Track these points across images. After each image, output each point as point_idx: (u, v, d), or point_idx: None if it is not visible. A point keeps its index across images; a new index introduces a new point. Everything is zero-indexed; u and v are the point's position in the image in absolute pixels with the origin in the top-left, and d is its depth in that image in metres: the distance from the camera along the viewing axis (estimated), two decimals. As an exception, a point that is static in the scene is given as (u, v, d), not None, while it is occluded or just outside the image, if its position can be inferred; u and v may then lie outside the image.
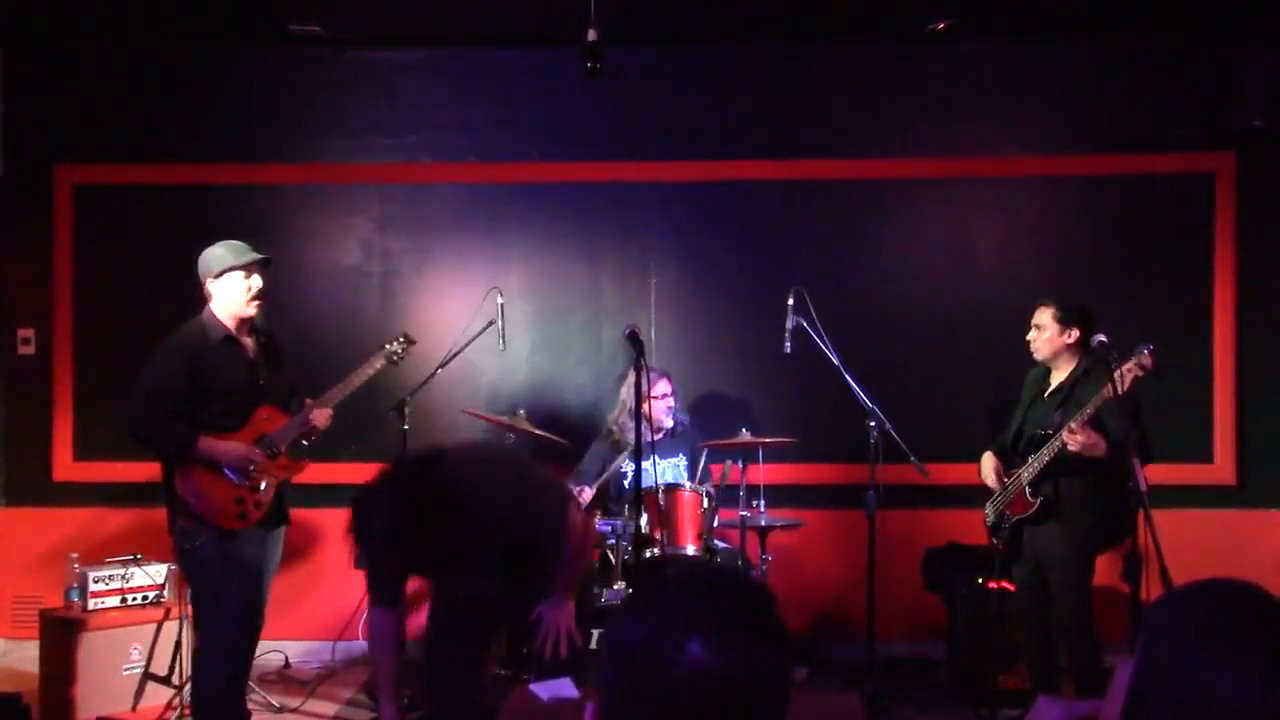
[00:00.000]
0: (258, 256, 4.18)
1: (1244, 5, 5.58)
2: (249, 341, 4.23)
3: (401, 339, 4.72)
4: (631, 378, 4.44)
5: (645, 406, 4.47)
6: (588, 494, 5.31)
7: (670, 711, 1.24)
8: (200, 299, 4.21)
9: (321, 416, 4.32)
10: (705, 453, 5.49)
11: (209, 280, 4.14)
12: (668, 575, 1.37)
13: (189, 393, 4.04)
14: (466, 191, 6.16)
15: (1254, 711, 1.23)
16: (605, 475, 5.35)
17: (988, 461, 4.79)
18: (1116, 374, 4.02)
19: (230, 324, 4.15)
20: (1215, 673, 1.26)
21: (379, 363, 4.58)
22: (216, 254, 4.16)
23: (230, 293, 4.13)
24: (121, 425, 4.18)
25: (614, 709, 1.29)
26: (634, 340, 3.83)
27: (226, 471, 4.06)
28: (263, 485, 4.13)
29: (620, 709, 1.28)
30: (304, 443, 4.35)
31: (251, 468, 4.07)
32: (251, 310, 4.17)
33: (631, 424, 4.31)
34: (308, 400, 4.33)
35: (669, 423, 5.55)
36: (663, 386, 5.50)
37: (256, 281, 4.16)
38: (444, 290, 6.09)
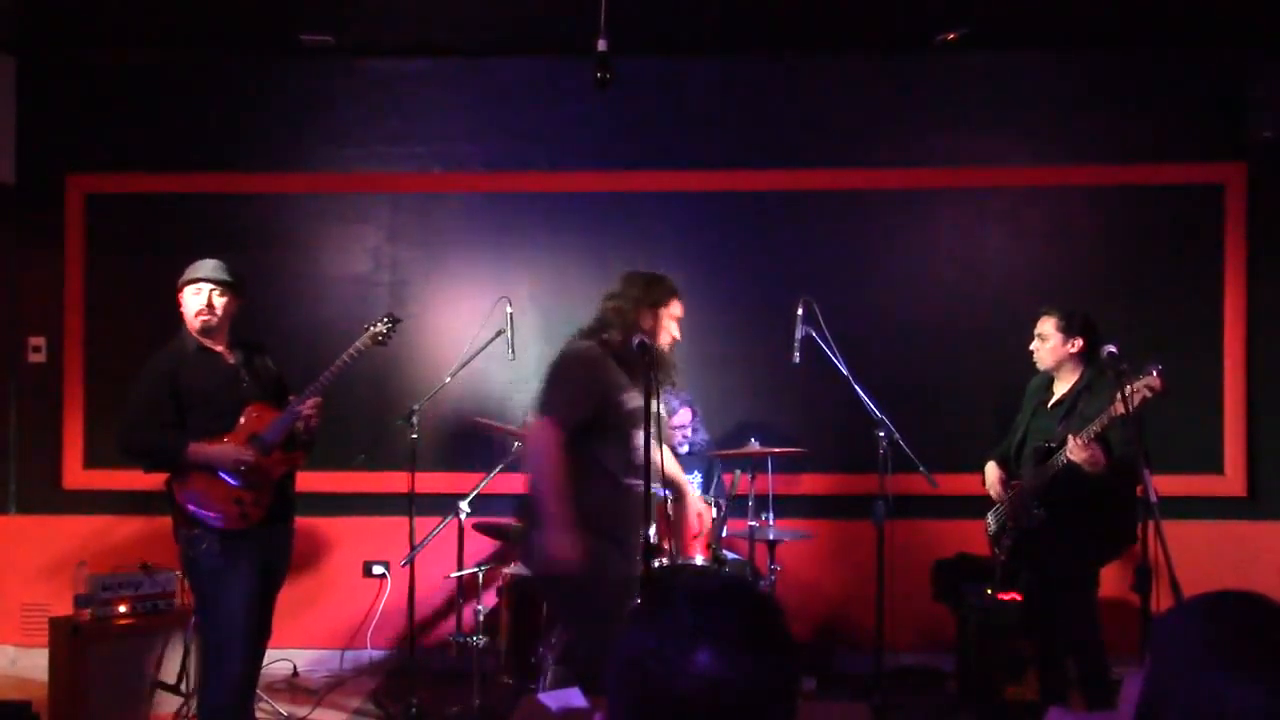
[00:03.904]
0: (204, 275, 4.24)
1: (1254, 16, 5.58)
2: (226, 350, 4.30)
3: (386, 318, 4.62)
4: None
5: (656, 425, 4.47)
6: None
7: (679, 721, 1.24)
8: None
9: (309, 405, 4.28)
10: (719, 465, 5.48)
11: (178, 295, 4.28)
12: (676, 585, 1.37)
13: (173, 405, 4.13)
14: (476, 201, 6.17)
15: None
16: None
17: (991, 471, 4.78)
18: (1125, 391, 3.99)
19: (199, 336, 4.25)
20: (1224, 684, 1.26)
21: (364, 345, 4.48)
22: (185, 271, 4.28)
23: (186, 306, 4.25)
24: (114, 447, 4.26)
25: (623, 718, 1.29)
26: (644, 351, 3.81)
27: (222, 474, 4.09)
28: (260, 482, 4.15)
29: (629, 718, 1.29)
30: (303, 438, 4.34)
31: (244, 467, 4.09)
32: (198, 324, 4.22)
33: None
34: (292, 396, 4.34)
35: (683, 450, 5.56)
36: (682, 416, 5.53)
37: (199, 300, 4.22)
38: (454, 299, 6.10)
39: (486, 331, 5.40)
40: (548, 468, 3.76)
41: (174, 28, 5.80)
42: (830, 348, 4.87)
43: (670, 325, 4.07)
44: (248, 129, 6.19)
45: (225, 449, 4.11)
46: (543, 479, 3.78)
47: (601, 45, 4.16)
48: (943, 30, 5.72)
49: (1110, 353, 3.99)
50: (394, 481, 5.54)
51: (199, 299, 4.22)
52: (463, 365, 5.39)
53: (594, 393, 3.85)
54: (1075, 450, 4.23)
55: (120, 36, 5.93)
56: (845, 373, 4.82)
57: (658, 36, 5.85)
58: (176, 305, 4.29)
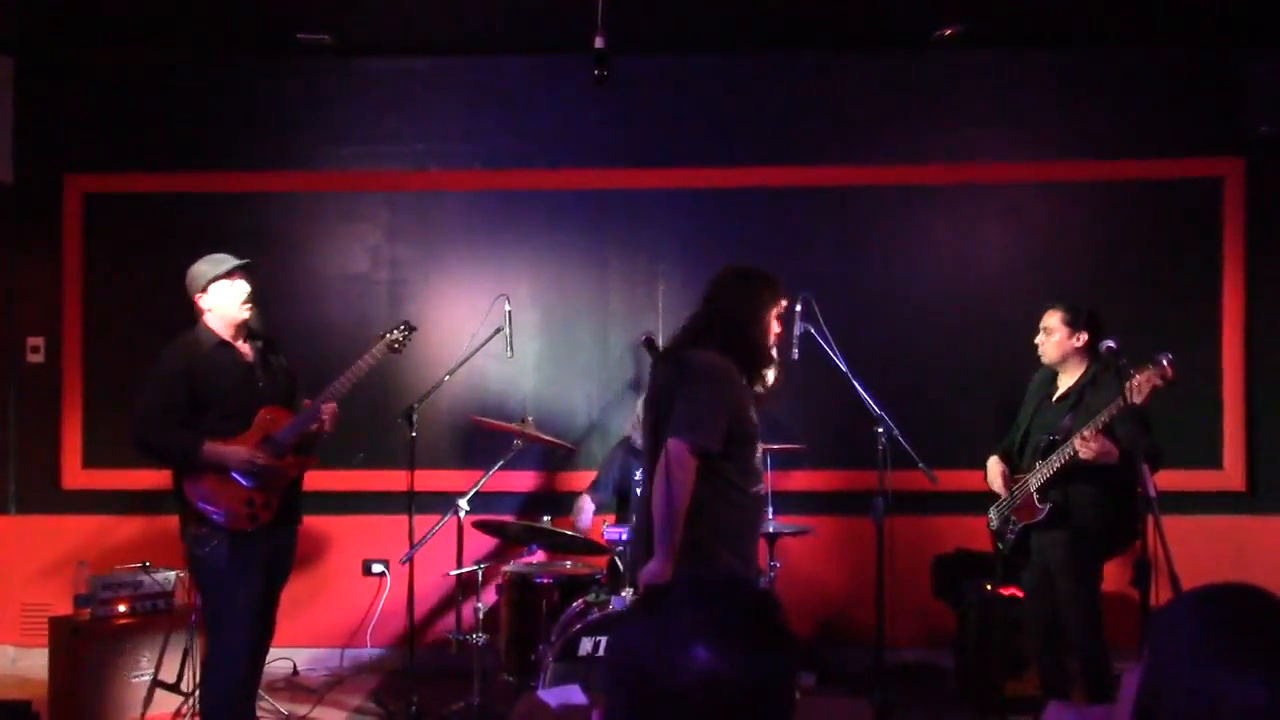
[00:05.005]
0: (237, 261, 4.24)
1: (1252, 12, 5.57)
2: (245, 347, 4.27)
3: (402, 326, 4.66)
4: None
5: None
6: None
7: (677, 717, 1.24)
8: (194, 314, 4.27)
9: (327, 410, 4.28)
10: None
11: (198, 296, 4.22)
12: (675, 582, 1.37)
13: (188, 402, 4.10)
14: (474, 199, 6.17)
15: (1261, 717, 1.23)
16: (613, 474, 5.41)
17: (994, 466, 4.78)
18: (1133, 383, 4.00)
19: (226, 332, 4.22)
20: (1221, 678, 1.26)
21: (380, 352, 4.50)
22: (199, 270, 4.23)
23: (221, 301, 4.20)
24: (126, 441, 4.23)
25: (621, 715, 1.29)
26: (650, 348, 3.77)
27: (234, 475, 4.08)
28: (272, 484, 4.15)
29: (627, 715, 1.29)
30: (315, 441, 4.33)
31: (256, 469, 4.09)
32: (245, 313, 4.24)
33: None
34: (307, 401, 4.33)
35: None
36: None
37: (243, 285, 4.23)
38: (452, 297, 6.10)
39: (485, 329, 5.40)
40: (683, 499, 3.36)
41: (172, 28, 5.80)
42: (829, 344, 4.87)
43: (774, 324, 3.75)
44: (246, 128, 6.18)
45: (239, 450, 4.10)
46: (676, 509, 3.35)
47: (599, 42, 4.16)
48: (940, 26, 5.72)
49: (1109, 347, 3.99)
50: (393, 480, 5.55)
51: (240, 285, 4.21)
52: (461, 363, 5.39)
53: (730, 409, 3.47)
54: (1083, 446, 4.23)
55: (119, 36, 5.92)
56: (844, 369, 4.82)
57: (656, 34, 5.84)
58: (186, 301, 4.23)
